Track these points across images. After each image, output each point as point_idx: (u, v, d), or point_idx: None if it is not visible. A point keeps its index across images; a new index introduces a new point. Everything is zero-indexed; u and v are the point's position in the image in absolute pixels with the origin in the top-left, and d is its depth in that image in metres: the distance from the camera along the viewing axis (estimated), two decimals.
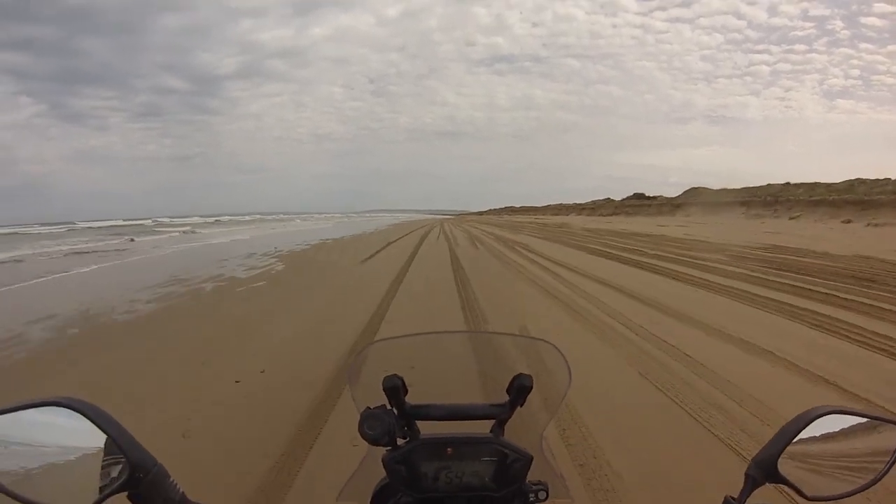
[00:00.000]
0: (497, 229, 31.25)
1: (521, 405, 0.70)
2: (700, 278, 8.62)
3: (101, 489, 0.55)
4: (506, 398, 0.70)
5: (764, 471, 0.62)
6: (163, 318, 6.38)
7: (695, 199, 46.58)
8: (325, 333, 5.30)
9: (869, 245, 13.19)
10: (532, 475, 0.69)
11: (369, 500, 0.70)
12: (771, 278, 8.47)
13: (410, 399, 0.69)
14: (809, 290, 7.19)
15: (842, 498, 0.62)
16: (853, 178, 33.92)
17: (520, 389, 0.69)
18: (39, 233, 40.47)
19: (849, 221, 22.91)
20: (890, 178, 30.76)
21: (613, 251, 14.09)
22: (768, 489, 0.62)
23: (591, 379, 3.69)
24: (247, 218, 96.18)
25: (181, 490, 0.58)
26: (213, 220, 76.36)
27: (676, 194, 55.91)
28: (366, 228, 37.67)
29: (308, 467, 2.58)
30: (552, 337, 0.81)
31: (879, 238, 15.51)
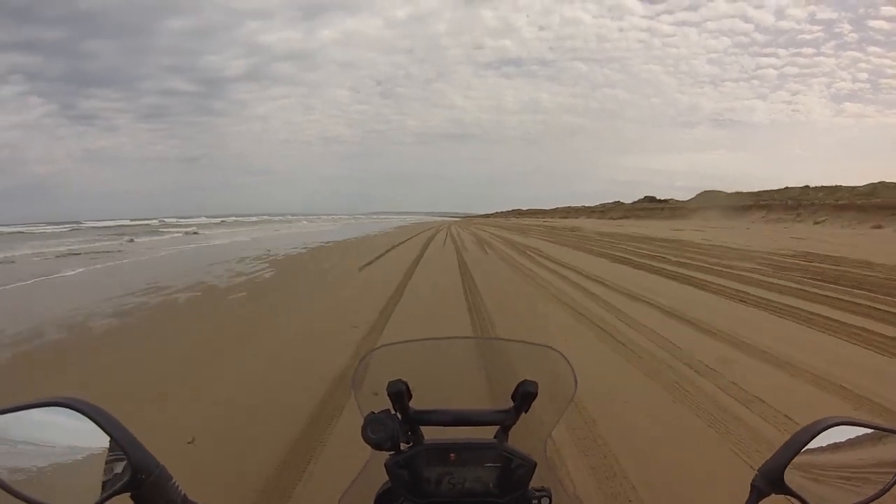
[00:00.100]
0: (506, 232, 30.25)
1: (526, 411, 0.70)
2: (741, 291, 7.61)
3: (104, 490, 0.55)
4: (510, 404, 0.70)
5: (770, 482, 0.61)
6: (108, 343, 5.33)
7: (708, 202, 45.32)
8: (281, 388, 3.74)
9: None
10: (535, 481, 0.69)
11: None
12: (817, 291, 7.52)
13: (415, 404, 0.69)
14: (868, 307, 6.16)
15: None
16: (876, 181, 32.64)
17: (525, 396, 0.69)
18: (44, 232, 40.88)
19: (879, 227, 21.63)
20: None
21: (635, 258, 13.01)
22: (774, 500, 0.60)
23: (674, 472, 2.61)
24: (253, 219, 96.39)
25: (183, 492, 0.58)
26: (219, 220, 76.21)
27: (684, 198, 54.76)
28: (370, 231, 36.91)
29: None
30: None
31: None
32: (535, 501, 0.68)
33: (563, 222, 50.88)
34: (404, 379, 0.67)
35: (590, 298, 7.23)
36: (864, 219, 23.44)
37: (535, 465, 0.67)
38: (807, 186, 37.18)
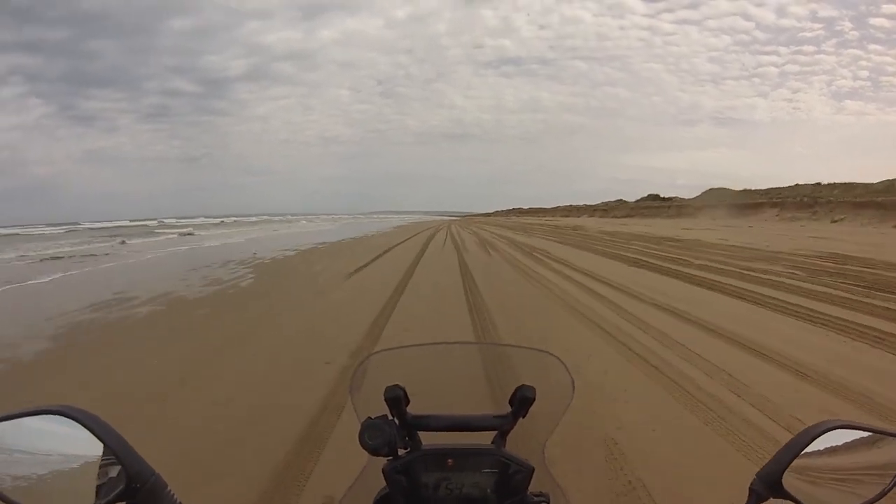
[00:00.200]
0: (508, 231, 29.35)
1: (524, 416, 0.70)
2: (777, 299, 6.69)
3: (99, 498, 0.54)
4: (508, 409, 0.70)
5: (768, 485, 0.60)
6: (33, 374, 4.50)
7: (715, 200, 44.27)
8: (235, 440, 2.96)
9: None
10: (533, 486, 0.68)
11: None
12: (859, 298, 6.64)
13: (412, 409, 0.69)
14: None
15: None
16: (888, 178, 31.57)
17: (522, 401, 0.69)
18: (41, 234, 40.53)
19: None
20: None
21: (648, 259, 12.03)
22: None
23: None
24: (253, 219, 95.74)
25: (178, 501, 0.56)
26: (217, 221, 75.46)
27: (687, 196, 53.64)
28: (368, 231, 36.11)
29: None
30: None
31: None
32: None
33: (565, 221, 49.92)
34: (401, 384, 0.67)
35: (625, 318, 6.27)
36: (884, 217, 22.36)
37: (532, 470, 0.67)
38: (818, 183, 36.07)
